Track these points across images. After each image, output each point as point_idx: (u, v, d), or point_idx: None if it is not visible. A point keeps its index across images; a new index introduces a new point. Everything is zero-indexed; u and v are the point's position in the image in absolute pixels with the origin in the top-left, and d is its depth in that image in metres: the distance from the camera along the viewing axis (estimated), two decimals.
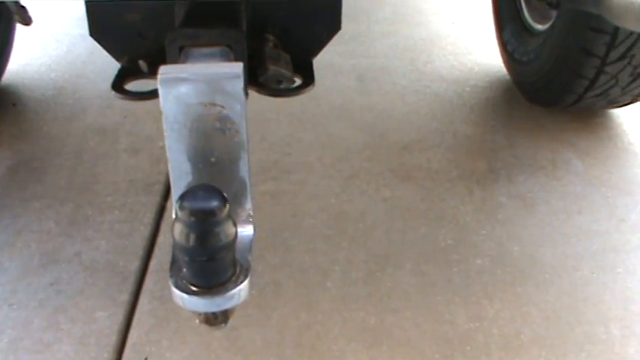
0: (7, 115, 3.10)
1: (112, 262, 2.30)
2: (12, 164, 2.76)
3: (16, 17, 2.27)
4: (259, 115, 2.95)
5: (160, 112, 2.79)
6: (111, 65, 3.16)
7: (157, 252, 2.33)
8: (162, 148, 2.72)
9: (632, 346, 2.05)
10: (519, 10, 3.22)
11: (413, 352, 2.01)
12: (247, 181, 1.44)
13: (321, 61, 3.25)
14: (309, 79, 1.69)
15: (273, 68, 1.57)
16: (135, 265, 2.28)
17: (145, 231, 2.42)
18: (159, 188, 2.61)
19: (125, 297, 2.17)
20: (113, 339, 2.06)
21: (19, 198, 2.58)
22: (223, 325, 1.39)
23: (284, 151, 2.79)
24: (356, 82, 3.29)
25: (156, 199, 2.56)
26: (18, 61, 3.42)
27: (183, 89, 1.31)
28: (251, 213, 1.47)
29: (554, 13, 2.88)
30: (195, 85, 1.31)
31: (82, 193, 2.61)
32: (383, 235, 2.39)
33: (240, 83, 1.32)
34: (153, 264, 2.29)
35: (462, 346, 2.02)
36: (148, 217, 2.47)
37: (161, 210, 2.51)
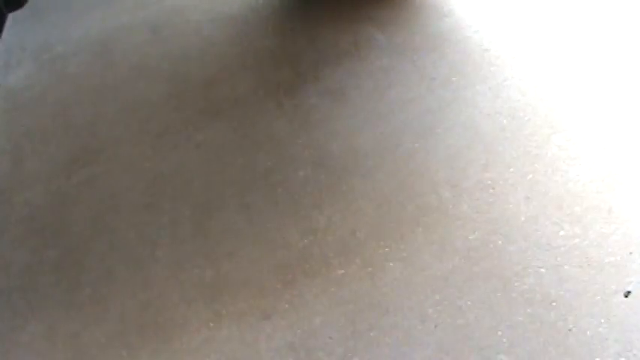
0: None
1: None
2: None
3: None
4: (58, 103, 2.79)
5: None
6: None
7: None
8: None
9: (464, 201, 2.01)
10: None
11: (254, 289, 1.94)
12: None
13: (110, 24, 3.12)
14: None
15: None
16: None
17: None
18: None
19: None
20: None
21: None
22: None
23: (90, 132, 2.64)
24: (149, 34, 3.13)
25: None
26: None
27: None
28: None
29: None
30: None
31: None
32: (202, 183, 2.29)
33: None
34: None
35: (300, 266, 1.96)
36: None
37: None
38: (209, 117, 2.54)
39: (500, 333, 1.73)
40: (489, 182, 2.05)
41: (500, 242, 1.91)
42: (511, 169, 2.07)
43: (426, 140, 2.21)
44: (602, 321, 1.71)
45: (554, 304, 1.76)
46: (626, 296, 1.74)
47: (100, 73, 2.93)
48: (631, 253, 1.81)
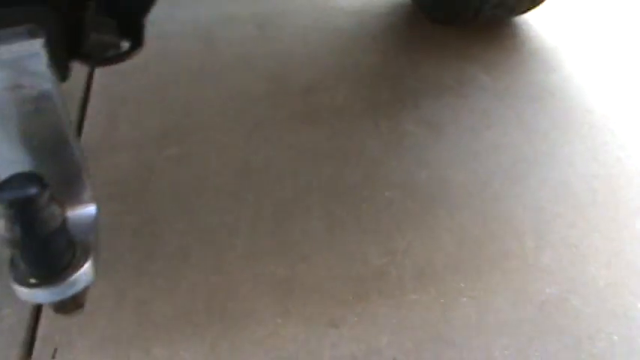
0: None
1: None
2: None
3: None
4: (157, 78, 2.85)
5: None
6: None
7: None
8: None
9: (546, 254, 2.02)
10: None
11: (326, 296, 1.96)
12: (79, 159, 1.36)
13: (217, 13, 3.18)
14: (136, 42, 1.59)
15: (94, 36, 1.48)
16: None
17: None
18: None
19: None
20: (22, 335, 1.98)
21: None
22: (80, 310, 1.32)
23: (185, 111, 2.69)
24: (256, 29, 3.19)
25: None
26: None
27: None
28: (90, 192, 1.39)
29: None
30: None
31: None
32: (289, 183, 2.32)
33: (41, 60, 1.23)
34: None
35: (375, 283, 1.98)
36: None
37: None
38: (304, 121, 2.58)
39: None
40: (573, 241, 2.05)
41: (576, 302, 1.92)
42: (597, 233, 2.07)
43: (517, 187, 2.23)
44: None
45: None
46: None
47: (201, 58, 2.99)
48: None
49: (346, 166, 2.36)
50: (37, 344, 1.96)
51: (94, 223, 1.37)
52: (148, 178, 2.40)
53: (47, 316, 2.02)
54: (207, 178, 2.39)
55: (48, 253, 1.21)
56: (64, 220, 1.21)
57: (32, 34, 1.27)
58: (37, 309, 2.05)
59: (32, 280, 1.24)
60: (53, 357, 1.90)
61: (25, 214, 1.15)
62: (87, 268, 1.27)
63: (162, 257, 2.13)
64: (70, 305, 1.28)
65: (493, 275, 1.97)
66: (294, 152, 2.45)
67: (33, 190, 1.16)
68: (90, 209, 1.37)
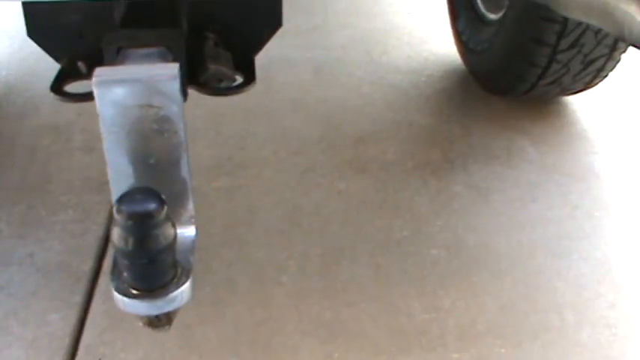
0: None
1: (65, 262, 2.27)
2: None
3: None
4: (213, 110, 2.92)
5: None
6: None
7: (110, 252, 2.30)
8: None
9: (586, 331, 2.07)
10: (473, 0, 3.22)
11: (369, 345, 2.01)
12: (188, 181, 1.42)
13: (276, 54, 3.27)
14: (250, 77, 1.67)
15: (213, 67, 1.55)
16: (88, 265, 2.25)
17: (99, 230, 2.39)
18: None
19: (78, 298, 2.14)
20: (66, 341, 2.04)
21: None
22: (167, 327, 1.37)
23: (238, 146, 2.77)
24: (312, 74, 3.28)
25: (109, 197, 2.51)
26: None
27: (119, 91, 1.29)
28: (192, 214, 1.45)
29: (506, 3, 2.89)
30: (131, 87, 1.29)
31: (35, 193, 2.57)
32: (338, 228, 2.39)
33: (176, 84, 1.30)
34: (106, 264, 2.26)
35: (418, 338, 2.03)
36: (102, 217, 2.44)
37: None
38: (355, 170, 2.65)
39: None
40: (613, 321, 2.10)
41: None
42: (638, 317, 2.12)
43: (559, 262, 2.28)
44: None
45: None
46: None
47: (258, 96, 3.06)
48: None
49: (394, 220, 2.42)
50: (80, 353, 2.01)
51: (194, 244, 1.43)
52: (199, 206, 2.45)
53: (93, 326, 2.07)
54: (257, 214, 2.45)
55: (155, 268, 1.27)
56: (175, 239, 1.27)
57: (163, 57, 1.35)
58: (83, 317, 2.10)
59: (134, 292, 1.29)
60: None
61: (141, 227, 1.21)
62: (186, 287, 1.32)
63: (210, 285, 2.18)
64: (163, 321, 1.34)
65: (533, 345, 2.02)
66: (344, 199, 2.51)
67: (152, 206, 1.22)
68: (190, 230, 1.43)
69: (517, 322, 2.08)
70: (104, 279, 2.20)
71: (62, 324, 2.07)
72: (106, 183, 2.57)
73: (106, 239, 2.36)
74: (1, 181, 2.64)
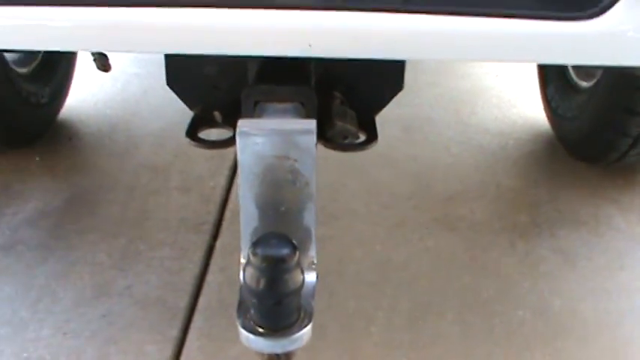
0: (64, 149, 3.21)
1: (162, 297, 2.37)
2: (67, 196, 2.86)
3: (97, 64, 2.37)
4: None
5: (212, 154, 2.87)
6: (164, 105, 3.28)
7: (206, 290, 2.40)
8: (213, 188, 2.84)
9: None
10: (564, 67, 3.27)
11: None
12: (312, 230, 1.51)
13: None
14: (372, 135, 1.77)
15: (340, 124, 1.65)
16: (184, 301, 2.34)
17: (195, 269, 2.48)
18: (208, 228, 2.68)
19: (174, 332, 2.23)
20: None
21: (74, 230, 2.66)
22: None
23: (331, 197, 2.85)
24: (401, 131, 3.36)
25: (205, 238, 2.63)
26: (75, 97, 3.53)
27: (260, 142, 1.39)
28: (314, 260, 1.54)
29: (599, 71, 2.93)
30: (271, 139, 1.39)
31: (134, 228, 2.69)
32: (426, 284, 2.44)
33: (312, 138, 1.40)
34: (202, 302, 2.35)
35: None
36: (198, 256, 2.54)
37: (210, 249, 2.58)
38: (443, 228, 2.71)
39: None
40: None
41: None
42: None
43: None
44: None
45: None
46: None
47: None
48: None
49: (481, 279, 2.47)
50: None
51: (314, 289, 1.51)
52: None
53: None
54: (348, 265, 2.53)
55: (282, 310, 1.35)
56: (303, 283, 1.35)
57: (297, 112, 1.45)
58: (179, 352, 2.19)
59: (260, 330, 1.38)
60: None
61: (274, 270, 1.30)
62: (308, 329, 1.40)
63: None
64: (282, 359, 1.42)
65: None
66: (432, 256, 2.57)
67: (286, 251, 1.31)
68: (312, 276, 1.51)
69: None
70: (199, 316, 2.30)
71: (159, 356, 2.16)
72: (203, 223, 2.71)
73: (202, 278, 2.45)
74: (103, 214, 2.77)
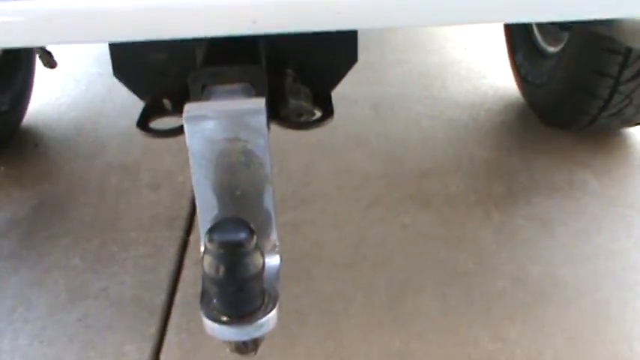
0: (30, 156, 3.16)
1: (139, 296, 2.34)
2: (36, 204, 2.81)
3: (42, 61, 2.33)
4: (276, 146, 2.94)
5: (179, 148, 2.82)
6: (129, 103, 3.23)
7: (181, 285, 2.37)
8: (183, 182, 2.80)
9: None
10: (531, 33, 3.25)
11: None
12: (272, 212, 1.48)
13: (335, 91, 3.32)
14: (328, 112, 1.73)
15: (293, 102, 1.62)
16: (161, 298, 2.31)
17: (170, 265, 2.45)
18: (181, 223, 2.65)
19: (152, 330, 2.20)
20: None
21: (45, 236, 2.62)
22: (253, 353, 1.42)
23: (302, 181, 2.83)
24: (371, 110, 3.34)
25: (179, 233, 2.60)
26: (38, 101, 3.48)
27: (209, 126, 1.36)
28: (277, 243, 1.51)
29: (565, 35, 2.91)
30: (219, 121, 1.35)
31: (107, 230, 2.65)
32: (403, 261, 2.42)
33: (263, 118, 1.37)
34: (178, 297, 2.32)
35: None
36: (172, 252, 2.51)
37: (184, 244, 2.55)
38: (418, 204, 2.69)
39: None
40: None
41: None
42: None
43: (626, 293, 2.28)
44: None
45: None
46: None
47: (318, 133, 3.11)
48: None
49: (459, 253, 2.45)
50: None
51: (278, 272, 1.48)
52: None
53: (167, 358, 2.13)
54: (323, 248, 2.50)
55: (244, 296, 1.32)
56: (263, 267, 1.32)
57: (247, 92, 1.41)
58: (158, 349, 2.16)
59: (224, 318, 1.35)
60: None
61: (232, 256, 1.27)
62: (273, 314, 1.38)
63: (280, 318, 2.22)
64: (250, 347, 1.39)
65: None
66: (408, 233, 2.55)
67: (243, 235, 1.28)
68: (275, 259, 1.49)
69: (585, 353, 2.08)
70: (176, 312, 2.27)
71: (138, 355, 2.13)
72: (175, 219, 2.67)
73: (177, 274, 2.42)
74: (74, 218, 2.73)
